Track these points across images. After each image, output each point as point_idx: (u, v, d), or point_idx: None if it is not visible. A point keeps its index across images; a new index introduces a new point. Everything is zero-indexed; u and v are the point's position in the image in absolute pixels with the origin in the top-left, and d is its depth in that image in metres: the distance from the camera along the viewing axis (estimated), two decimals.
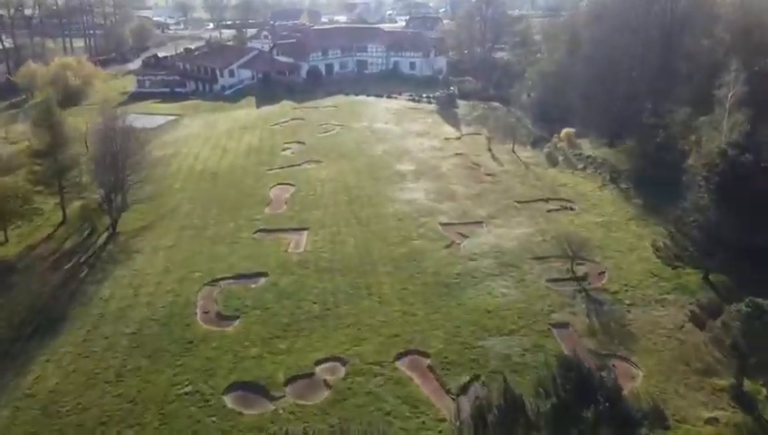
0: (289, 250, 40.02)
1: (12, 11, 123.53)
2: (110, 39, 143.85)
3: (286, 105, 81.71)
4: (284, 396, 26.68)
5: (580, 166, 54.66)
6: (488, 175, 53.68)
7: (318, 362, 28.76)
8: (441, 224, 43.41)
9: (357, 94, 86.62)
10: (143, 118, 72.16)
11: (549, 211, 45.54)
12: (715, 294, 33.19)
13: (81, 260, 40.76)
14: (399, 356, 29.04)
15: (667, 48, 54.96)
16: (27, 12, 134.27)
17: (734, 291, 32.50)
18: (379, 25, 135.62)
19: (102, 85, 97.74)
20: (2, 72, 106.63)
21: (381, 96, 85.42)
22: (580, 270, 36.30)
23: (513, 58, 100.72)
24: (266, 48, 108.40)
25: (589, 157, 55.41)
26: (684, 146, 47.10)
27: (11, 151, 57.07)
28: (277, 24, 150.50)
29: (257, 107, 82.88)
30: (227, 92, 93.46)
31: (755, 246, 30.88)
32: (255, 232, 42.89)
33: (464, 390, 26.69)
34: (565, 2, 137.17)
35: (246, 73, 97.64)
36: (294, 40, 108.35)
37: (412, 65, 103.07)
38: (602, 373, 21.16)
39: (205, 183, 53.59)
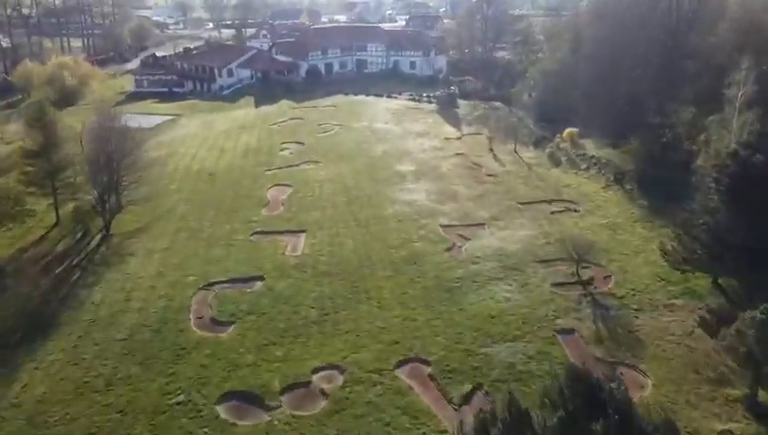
0: (286, 253, 39.02)
1: (9, 10, 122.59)
2: (108, 39, 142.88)
3: (285, 105, 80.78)
4: (280, 406, 25.67)
5: (584, 166, 53.64)
6: (490, 175, 52.70)
7: (315, 370, 27.75)
8: (442, 226, 42.43)
9: (356, 94, 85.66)
10: (140, 118, 71.16)
11: (552, 213, 44.53)
12: (724, 299, 32.20)
13: (74, 263, 39.76)
14: (399, 364, 28.03)
15: (671, 46, 53.96)
16: (25, 11, 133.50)
17: (744, 296, 31.54)
18: (379, 25, 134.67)
19: (100, 85, 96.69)
20: None
21: (381, 96, 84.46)
22: (586, 274, 35.29)
23: (514, 57, 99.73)
24: (265, 47, 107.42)
25: (592, 157, 54.37)
26: (691, 146, 46.08)
27: (4, 152, 56.12)
28: (276, 23, 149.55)
29: (256, 107, 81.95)
30: (226, 92, 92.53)
31: (767, 250, 29.83)
32: (252, 234, 41.90)
33: (466, 400, 25.70)
34: (566, 1, 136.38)
35: (245, 73, 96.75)
36: (293, 39, 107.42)
37: (412, 64, 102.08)
38: (612, 384, 20.08)
39: (201, 184, 52.62)
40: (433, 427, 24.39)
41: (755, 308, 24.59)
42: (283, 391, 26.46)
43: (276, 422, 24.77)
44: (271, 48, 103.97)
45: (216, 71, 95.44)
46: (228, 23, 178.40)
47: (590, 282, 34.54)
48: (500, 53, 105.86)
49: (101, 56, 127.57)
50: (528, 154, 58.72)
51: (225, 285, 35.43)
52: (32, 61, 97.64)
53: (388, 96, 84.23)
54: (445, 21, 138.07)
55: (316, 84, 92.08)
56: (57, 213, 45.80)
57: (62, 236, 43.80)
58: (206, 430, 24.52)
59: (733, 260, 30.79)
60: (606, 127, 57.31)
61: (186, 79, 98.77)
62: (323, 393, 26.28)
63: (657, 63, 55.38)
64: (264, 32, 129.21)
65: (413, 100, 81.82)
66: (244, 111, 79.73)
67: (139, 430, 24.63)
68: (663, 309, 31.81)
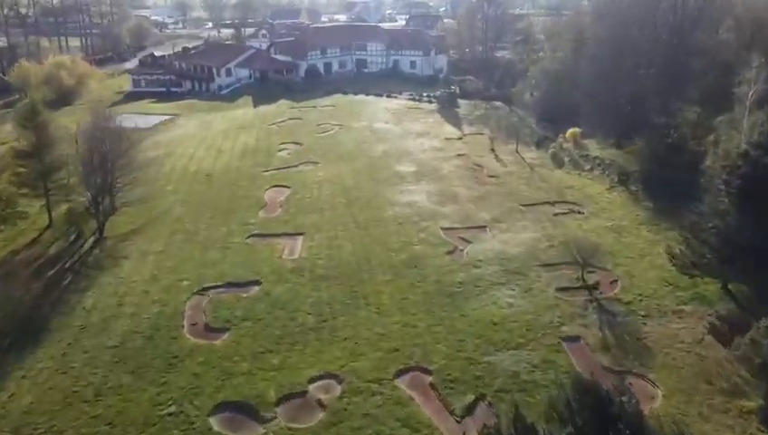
0: (283, 256, 38.06)
1: (6, 10, 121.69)
2: (106, 38, 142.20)
3: (284, 105, 79.87)
4: (275, 418, 24.68)
5: (587, 167, 52.65)
6: (491, 176, 51.73)
7: (312, 380, 26.76)
8: (443, 228, 41.43)
9: (356, 93, 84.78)
10: (137, 118, 70.50)
11: (556, 215, 43.54)
12: (734, 304, 31.20)
13: (66, 266, 38.78)
14: (399, 373, 27.02)
15: (676, 45, 52.92)
16: (22, 10, 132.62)
17: (754, 301, 30.64)
18: (379, 24, 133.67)
19: (97, 85, 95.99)
20: None
21: (381, 95, 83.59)
22: (591, 278, 34.30)
23: (514, 57, 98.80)
24: (264, 47, 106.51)
25: (596, 158, 53.34)
26: (698, 146, 45.06)
27: None
28: (276, 22, 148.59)
29: (254, 106, 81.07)
30: (224, 92, 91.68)
31: None
32: (248, 237, 40.94)
33: (469, 411, 24.72)
34: (567, 1, 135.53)
35: (243, 72, 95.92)
36: (292, 39, 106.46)
37: (412, 64, 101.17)
38: (623, 398, 19.17)
39: (198, 185, 51.66)
40: None
41: None
42: (278, 402, 25.48)
43: None
44: (269, 47, 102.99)
45: (214, 70, 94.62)
46: (228, 22, 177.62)
47: (595, 287, 33.54)
48: (500, 53, 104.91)
49: (100, 56, 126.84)
50: (530, 155, 57.77)
51: (221, 289, 34.45)
52: (29, 60, 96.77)
53: (388, 96, 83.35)
54: (445, 20, 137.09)
55: (315, 84, 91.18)
56: (50, 215, 44.86)
57: (55, 238, 42.83)
58: None
59: (743, 264, 29.80)
60: (609, 127, 56.37)
61: (184, 78, 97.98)
62: (320, 404, 25.31)
63: (662, 62, 54.36)
64: (263, 31, 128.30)
65: (413, 99, 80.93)
66: (243, 111, 78.82)
67: None
68: (671, 315, 30.80)
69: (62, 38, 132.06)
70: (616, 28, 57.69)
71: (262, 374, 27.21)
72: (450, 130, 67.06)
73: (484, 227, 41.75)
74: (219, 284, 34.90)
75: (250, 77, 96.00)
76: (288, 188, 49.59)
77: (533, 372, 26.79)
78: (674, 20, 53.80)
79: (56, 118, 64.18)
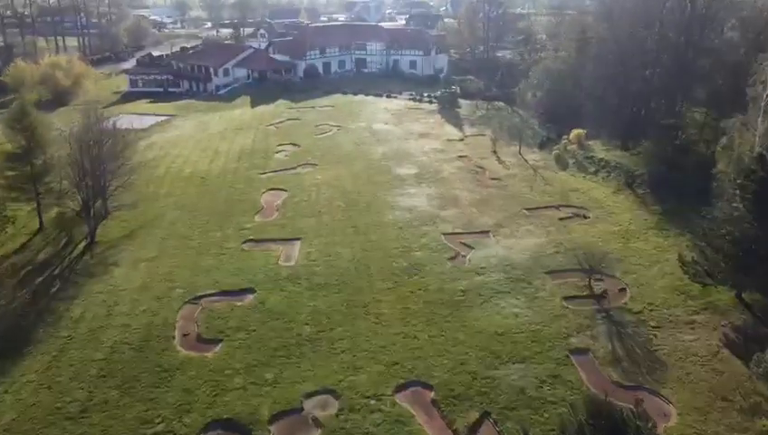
0: (279, 263, 36.76)
1: (2, 10, 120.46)
2: (104, 38, 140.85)
3: (282, 105, 78.60)
4: None
5: (592, 169, 51.32)
6: (494, 179, 50.45)
7: (308, 395, 25.47)
8: (444, 233, 40.12)
9: (355, 94, 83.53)
10: (133, 118, 69.37)
11: (561, 219, 42.24)
12: (749, 314, 29.91)
13: (55, 273, 37.54)
14: (399, 388, 25.75)
15: (684, 45, 51.58)
16: (19, 10, 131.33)
17: None
18: (379, 23, 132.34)
19: (94, 85, 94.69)
20: None
21: (381, 95, 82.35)
22: (599, 286, 33.00)
23: (516, 56, 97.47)
24: (263, 47, 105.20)
25: (601, 160, 51.99)
26: (707, 148, 43.73)
27: None
28: (275, 22, 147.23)
29: (252, 107, 79.83)
30: (222, 92, 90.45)
31: None
32: (244, 242, 39.66)
33: (473, 430, 23.45)
34: (568, 0, 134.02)
35: (241, 72, 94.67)
36: (291, 38, 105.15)
37: (412, 64, 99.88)
38: (639, 422, 17.88)
39: (193, 188, 50.38)
40: None
41: None
42: (272, 420, 24.21)
43: None
44: (268, 47, 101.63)
45: (211, 70, 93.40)
46: (227, 22, 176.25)
47: (603, 295, 32.26)
48: (501, 53, 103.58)
49: (97, 56, 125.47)
50: (533, 156, 56.47)
51: (214, 298, 33.18)
52: (25, 60, 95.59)
53: (388, 96, 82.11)
54: (445, 20, 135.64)
55: (314, 84, 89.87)
56: (40, 219, 43.66)
57: (45, 243, 41.59)
58: None
59: (758, 273, 28.50)
60: (614, 128, 55.05)
61: (181, 79, 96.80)
62: (316, 422, 24.02)
63: (668, 61, 53.02)
64: (261, 31, 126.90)
65: (413, 100, 79.68)
66: (240, 112, 77.56)
67: None
68: (684, 326, 29.49)
69: (60, 38, 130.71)
70: (621, 27, 56.43)
71: (255, 389, 25.93)
72: (451, 131, 65.79)
73: (487, 232, 40.46)
74: (213, 292, 33.64)
75: (248, 77, 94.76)
76: (285, 191, 48.33)
77: (541, 387, 25.49)
78: (681, 18, 52.47)
79: (51, 119, 63.34)
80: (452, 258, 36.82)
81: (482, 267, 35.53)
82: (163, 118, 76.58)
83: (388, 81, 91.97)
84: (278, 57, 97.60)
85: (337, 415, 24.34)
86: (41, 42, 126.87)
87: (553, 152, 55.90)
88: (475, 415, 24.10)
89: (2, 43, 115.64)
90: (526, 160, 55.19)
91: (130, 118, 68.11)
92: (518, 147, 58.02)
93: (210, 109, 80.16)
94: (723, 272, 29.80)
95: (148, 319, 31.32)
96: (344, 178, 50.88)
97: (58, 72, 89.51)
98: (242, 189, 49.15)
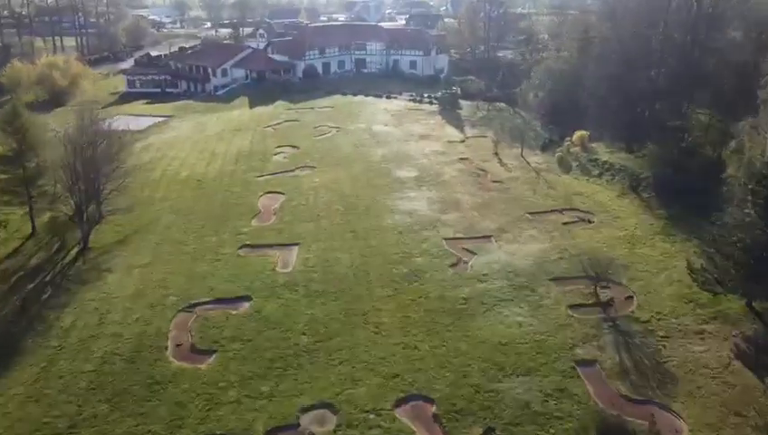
0: (276, 269, 35.83)
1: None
2: (103, 38, 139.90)
3: (280, 106, 77.63)
4: None
5: (596, 172, 50.34)
6: (496, 182, 49.51)
7: (304, 410, 24.55)
8: (445, 238, 39.18)
9: (355, 94, 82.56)
10: (130, 119, 68.46)
11: (565, 224, 41.29)
12: (760, 324, 28.97)
13: (47, 279, 36.61)
14: (400, 402, 24.81)
15: (690, 45, 50.58)
16: (17, 10, 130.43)
17: None
18: (379, 23, 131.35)
19: (92, 85, 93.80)
20: None
21: (380, 96, 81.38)
22: (605, 294, 32.06)
23: (517, 56, 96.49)
24: (261, 47, 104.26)
25: (605, 162, 51.00)
26: (713, 151, 42.75)
27: None
28: (274, 22, 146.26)
29: (250, 108, 78.91)
30: (220, 92, 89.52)
31: None
32: (240, 247, 38.72)
33: None
34: (570, 0, 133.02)
35: (240, 73, 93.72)
36: (290, 38, 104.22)
37: (413, 64, 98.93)
38: None
39: (189, 191, 49.43)
40: None
41: None
42: None
43: None
44: (267, 47, 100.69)
45: (210, 70, 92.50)
46: (226, 22, 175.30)
47: (610, 303, 31.32)
48: (502, 53, 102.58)
49: (95, 56, 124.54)
50: (535, 159, 55.54)
51: (209, 306, 32.26)
52: (22, 61, 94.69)
53: (388, 97, 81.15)
54: (446, 20, 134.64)
55: (313, 84, 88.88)
56: (33, 223, 42.74)
57: (38, 248, 40.69)
58: None
59: None
60: (618, 130, 54.05)
61: (179, 79, 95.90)
62: None
63: (674, 62, 52.02)
64: (261, 31, 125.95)
65: (413, 100, 78.71)
66: (239, 112, 76.64)
67: None
68: (693, 336, 28.55)
69: (58, 38, 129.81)
70: (625, 26, 55.43)
71: (250, 403, 25.01)
72: (452, 132, 64.87)
73: (490, 236, 39.54)
74: (207, 300, 32.72)
75: (246, 77, 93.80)
76: (283, 194, 47.40)
77: (546, 401, 24.57)
78: (687, 18, 51.45)
79: (47, 120, 62.37)
80: (453, 264, 35.90)
81: (484, 274, 34.60)
82: (160, 119, 75.65)
83: (387, 81, 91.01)
84: (277, 57, 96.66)
85: (335, 431, 23.42)
86: (38, 42, 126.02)
87: (556, 154, 54.97)
88: (478, 431, 23.19)
89: None
90: (528, 163, 54.26)
91: (127, 119, 67.11)
92: (520, 149, 57.08)
93: (208, 110, 79.22)
94: (733, 280, 28.86)
95: (141, 328, 30.40)
96: (343, 180, 49.96)
97: (55, 73, 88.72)
98: (239, 193, 48.23)
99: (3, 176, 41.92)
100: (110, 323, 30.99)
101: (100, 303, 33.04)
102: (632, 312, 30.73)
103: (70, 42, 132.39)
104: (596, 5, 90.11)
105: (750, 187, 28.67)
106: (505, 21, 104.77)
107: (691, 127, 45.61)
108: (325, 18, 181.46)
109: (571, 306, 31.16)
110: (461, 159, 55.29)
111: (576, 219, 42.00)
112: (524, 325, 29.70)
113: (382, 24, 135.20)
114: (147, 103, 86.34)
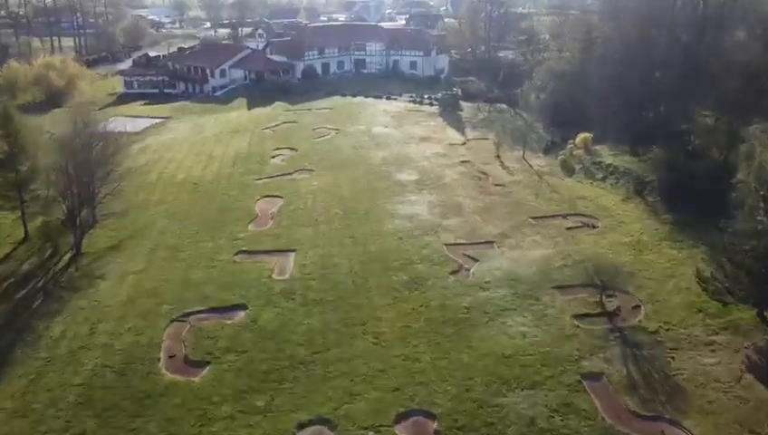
0: (273, 276, 34.89)
1: None
2: (101, 38, 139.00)
3: (279, 107, 76.67)
4: None
5: (600, 176, 49.37)
6: (497, 185, 48.57)
7: (301, 426, 23.65)
8: (446, 244, 38.24)
9: (354, 95, 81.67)
10: (127, 121, 67.44)
11: (568, 229, 40.36)
12: None
13: (38, 286, 35.71)
14: (400, 418, 23.88)
15: (696, 46, 49.62)
16: (14, 10, 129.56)
17: None
18: (379, 23, 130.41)
19: (89, 86, 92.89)
20: None
21: (380, 97, 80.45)
22: (611, 303, 31.14)
23: (518, 57, 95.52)
24: (260, 47, 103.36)
25: (609, 165, 50.05)
26: (720, 154, 41.80)
27: None
28: (273, 22, 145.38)
29: (249, 109, 78.01)
30: (218, 93, 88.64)
31: None
32: (236, 254, 37.80)
33: None
34: (571, 0, 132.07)
35: (238, 73, 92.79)
36: (289, 38, 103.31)
37: (413, 64, 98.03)
38: None
39: (185, 195, 48.50)
40: None
41: None
42: None
43: None
44: (266, 48, 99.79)
45: (208, 71, 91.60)
46: (225, 22, 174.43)
47: (616, 313, 30.41)
48: (503, 53, 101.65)
49: (93, 56, 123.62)
50: (538, 162, 54.59)
51: (203, 315, 31.32)
52: (19, 61, 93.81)
53: (388, 98, 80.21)
54: (446, 20, 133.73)
55: (312, 85, 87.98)
56: (26, 228, 41.81)
57: (30, 254, 39.76)
58: None
59: None
60: (623, 132, 53.07)
61: (177, 80, 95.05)
62: None
63: (680, 63, 51.03)
64: (260, 31, 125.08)
65: (414, 101, 77.76)
66: (237, 114, 75.71)
67: None
68: (703, 347, 27.63)
69: (56, 38, 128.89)
70: (629, 27, 54.46)
71: (244, 419, 24.09)
72: (453, 134, 63.93)
73: (492, 242, 38.61)
74: (202, 308, 31.79)
75: (245, 78, 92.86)
76: (281, 198, 46.48)
77: (552, 417, 23.64)
78: (693, 18, 50.47)
79: (42, 121, 61.40)
80: (455, 271, 34.98)
81: (486, 282, 33.68)
82: (158, 120, 74.78)
83: (387, 82, 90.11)
84: (276, 58, 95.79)
85: None
86: (36, 42, 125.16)
87: (559, 157, 54.02)
88: None
89: None
90: (531, 166, 53.33)
91: (124, 120, 66.14)
92: (522, 151, 56.15)
93: (206, 111, 78.32)
94: (744, 289, 27.97)
95: (133, 338, 29.48)
96: (342, 184, 49.03)
97: (51, 73, 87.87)
98: (236, 196, 47.31)
99: None
100: (101, 334, 30.07)
101: (92, 311, 32.11)
102: (639, 322, 29.81)
103: (68, 42, 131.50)
104: (597, 5, 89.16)
105: (762, 193, 27.78)
106: (506, 21, 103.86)
107: (697, 129, 44.62)
108: (325, 18, 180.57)
109: (577, 316, 30.23)
110: (462, 161, 54.38)
111: (580, 224, 41.08)
112: (528, 336, 28.78)
113: (382, 24, 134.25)
114: (144, 104, 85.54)
